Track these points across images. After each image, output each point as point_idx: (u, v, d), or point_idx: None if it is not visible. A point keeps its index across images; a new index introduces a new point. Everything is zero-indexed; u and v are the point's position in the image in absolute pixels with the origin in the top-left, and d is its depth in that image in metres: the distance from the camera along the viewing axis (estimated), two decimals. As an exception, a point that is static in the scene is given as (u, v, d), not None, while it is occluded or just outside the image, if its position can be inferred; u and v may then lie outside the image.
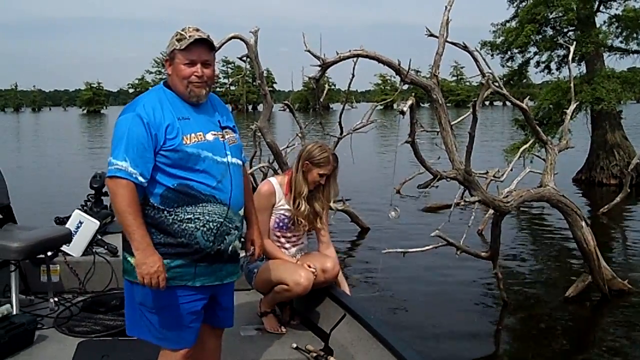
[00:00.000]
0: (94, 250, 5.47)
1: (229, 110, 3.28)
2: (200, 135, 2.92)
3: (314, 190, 4.38)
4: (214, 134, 2.98)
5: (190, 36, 2.90)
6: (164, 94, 2.97)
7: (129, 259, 2.92)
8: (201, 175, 2.90)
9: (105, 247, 5.51)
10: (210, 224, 2.92)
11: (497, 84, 7.14)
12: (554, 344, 6.37)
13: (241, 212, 3.12)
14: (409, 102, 5.50)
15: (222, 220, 2.95)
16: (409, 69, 6.39)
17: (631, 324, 6.87)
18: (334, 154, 4.36)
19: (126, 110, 2.91)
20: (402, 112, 5.48)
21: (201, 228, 2.90)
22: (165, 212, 2.88)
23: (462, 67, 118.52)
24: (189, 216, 2.89)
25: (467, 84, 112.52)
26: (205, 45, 2.95)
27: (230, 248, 3.04)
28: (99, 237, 5.63)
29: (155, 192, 2.88)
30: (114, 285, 5.29)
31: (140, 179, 2.80)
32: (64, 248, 5.30)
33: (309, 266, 4.29)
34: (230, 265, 3.09)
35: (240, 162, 3.12)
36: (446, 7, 6.61)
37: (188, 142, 2.87)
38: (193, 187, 2.89)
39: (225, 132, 3.06)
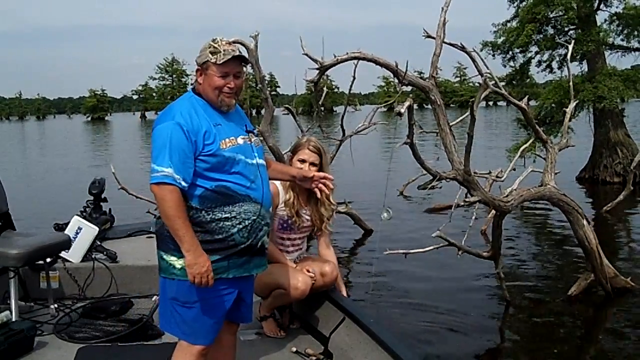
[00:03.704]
0: (93, 256, 5.47)
1: (247, 117, 3.45)
2: (233, 139, 3.11)
3: (312, 192, 4.37)
4: (243, 138, 3.19)
5: (224, 50, 3.06)
6: (196, 102, 3.13)
7: (164, 257, 3.09)
8: (236, 177, 3.08)
9: (105, 253, 5.50)
10: (246, 221, 3.09)
11: (494, 83, 7.12)
12: (556, 343, 6.35)
13: (271, 209, 3.31)
14: (406, 104, 5.49)
15: (255, 217, 3.13)
16: (406, 70, 6.37)
17: (634, 321, 6.85)
18: (314, 142, 4.36)
19: (163, 119, 3.06)
20: (400, 114, 5.47)
21: (237, 226, 3.07)
22: (204, 212, 3.04)
23: (465, 68, 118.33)
24: (226, 215, 3.05)
25: (470, 84, 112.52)
26: (238, 58, 3.12)
27: (259, 243, 3.19)
28: (98, 243, 5.63)
29: (194, 194, 3.03)
30: (113, 291, 5.30)
31: (183, 183, 2.97)
32: (63, 254, 5.31)
33: (308, 271, 4.29)
34: (258, 257, 3.23)
35: (265, 163, 3.31)
36: (443, 9, 6.61)
37: (225, 146, 3.06)
38: (230, 188, 3.06)
39: (250, 135, 3.26)
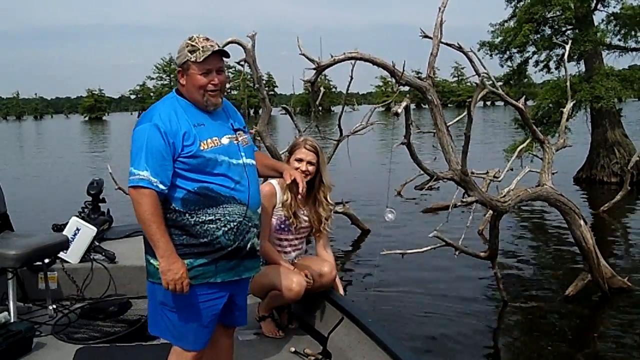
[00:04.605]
0: (91, 257, 5.46)
1: (238, 112, 3.37)
2: (216, 140, 3.01)
3: (311, 192, 4.39)
4: (229, 138, 3.08)
5: (203, 47, 2.97)
6: (178, 103, 3.05)
7: (151, 261, 3.03)
8: (220, 178, 2.99)
9: (103, 253, 5.50)
10: (231, 223, 3.01)
11: (491, 84, 7.13)
12: (553, 343, 6.37)
13: (259, 210, 3.20)
14: (403, 104, 5.51)
15: (241, 219, 3.04)
16: (403, 70, 6.38)
17: (631, 321, 6.87)
18: (311, 142, 4.36)
19: (143, 121, 2.99)
20: (397, 114, 5.48)
21: (222, 228, 2.99)
22: (187, 214, 2.97)
23: (462, 68, 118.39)
24: (210, 217, 2.98)
25: (468, 84, 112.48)
26: (218, 53, 3.03)
27: (248, 245, 3.12)
28: (97, 243, 5.62)
29: (176, 196, 2.96)
30: (112, 292, 5.29)
31: (161, 186, 2.89)
32: (62, 255, 5.30)
33: (306, 275, 4.29)
34: (248, 261, 3.16)
35: (254, 162, 3.22)
36: (440, 9, 6.61)
37: (205, 147, 2.96)
38: (213, 189, 2.98)
39: (238, 134, 3.15)
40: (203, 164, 2.95)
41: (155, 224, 2.88)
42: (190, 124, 2.97)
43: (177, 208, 2.97)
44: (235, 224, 3.02)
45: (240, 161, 3.09)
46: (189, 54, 2.98)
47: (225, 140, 3.05)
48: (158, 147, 2.89)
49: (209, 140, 2.99)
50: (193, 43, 2.99)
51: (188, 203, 2.97)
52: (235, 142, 3.11)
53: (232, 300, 3.19)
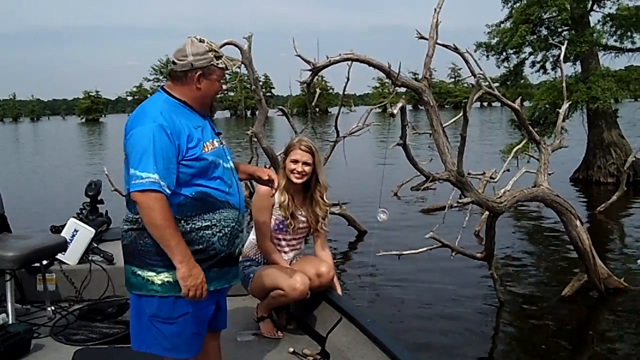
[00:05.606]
0: (89, 258, 5.45)
1: None
2: (212, 142, 2.96)
3: (307, 193, 4.42)
4: (217, 141, 3.03)
5: (226, 56, 2.99)
6: (171, 103, 2.95)
7: (138, 272, 2.89)
8: (217, 182, 2.94)
9: (101, 255, 5.49)
10: (225, 229, 2.96)
11: (487, 85, 7.17)
12: (550, 344, 6.38)
13: (245, 214, 3.19)
14: (399, 105, 5.53)
15: (234, 224, 3.00)
16: (399, 71, 6.41)
17: (627, 322, 6.88)
18: (306, 142, 4.37)
19: (142, 121, 2.83)
20: (392, 115, 5.51)
21: (217, 234, 2.93)
22: (182, 221, 2.86)
23: (459, 69, 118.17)
24: (207, 223, 2.90)
25: (465, 85, 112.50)
26: None
27: (237, 251, 3.10)
28: (95, 245, 5.62)
29: (173, 202, 2.82)
30: (110, 293, 5.28)
31: (167, 190, 2.76)
32: (60, 256, 5.29)
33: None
34: (235, 267, 3.14)
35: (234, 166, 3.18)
36: (435, 10, 6.65)
37: (207, 150, 2.90)
38: (211, 194, 2.91)
39: (221, 137, 3.11)
40: (205, 167, 2.88)
41: (170, 229, 2.74)
42: (191, 125, 2.89)
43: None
44: (229, 229, 2.97)
45: (229, 165, 3.06)
46: (215, 60, 2.93)
47: (216, 144, 3.00)
48: (165, 149, 2.76)
49: (208, 143, 2.93)
50: (215, 48, 2.94)
51: (184, 209, 2.86)
52: (221, 145, 3.05)
53: (218, 305, 3.15)
